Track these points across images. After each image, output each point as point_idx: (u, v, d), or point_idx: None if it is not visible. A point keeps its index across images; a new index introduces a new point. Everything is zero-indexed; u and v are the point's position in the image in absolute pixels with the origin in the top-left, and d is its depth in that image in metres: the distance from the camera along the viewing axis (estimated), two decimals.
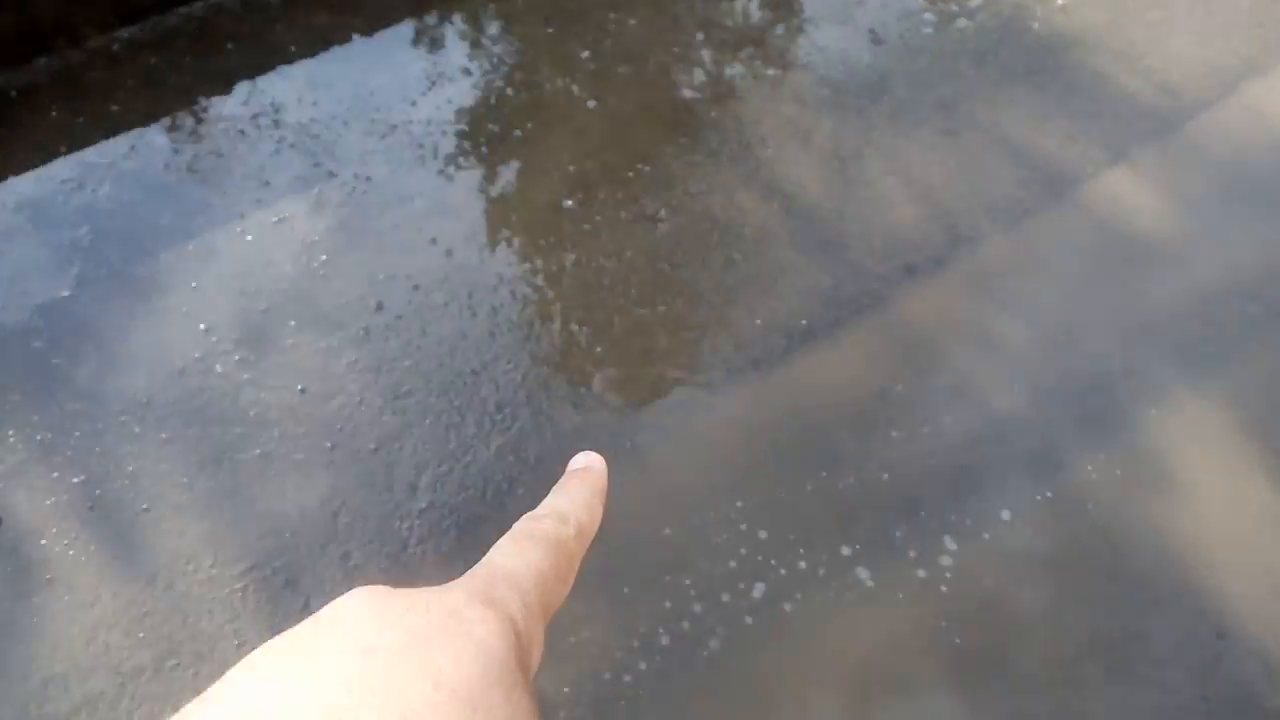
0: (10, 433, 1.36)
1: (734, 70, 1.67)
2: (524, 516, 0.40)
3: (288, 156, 1.55)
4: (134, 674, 1.27)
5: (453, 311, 1.47)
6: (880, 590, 1.36)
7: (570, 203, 1.55)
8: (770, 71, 1.68)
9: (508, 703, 0.29)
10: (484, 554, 0.38)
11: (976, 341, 1.51)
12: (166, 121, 1.57)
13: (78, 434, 1.37)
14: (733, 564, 1.37)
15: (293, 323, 1.45)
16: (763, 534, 1.38)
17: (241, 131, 1.57)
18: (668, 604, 1.35)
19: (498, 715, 0.28)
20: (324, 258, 1.49)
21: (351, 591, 0.33)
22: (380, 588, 0.33)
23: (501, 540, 0.38)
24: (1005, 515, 1.40)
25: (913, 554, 1.37)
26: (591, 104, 1.62)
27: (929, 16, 1.74)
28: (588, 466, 0.44)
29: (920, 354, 1.50)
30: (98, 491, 1.35)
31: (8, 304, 1.44)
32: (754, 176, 1.59)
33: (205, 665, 1.28)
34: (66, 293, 1.45)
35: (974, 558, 1.37)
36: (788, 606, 1.35)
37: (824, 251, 1.54)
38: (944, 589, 1.36)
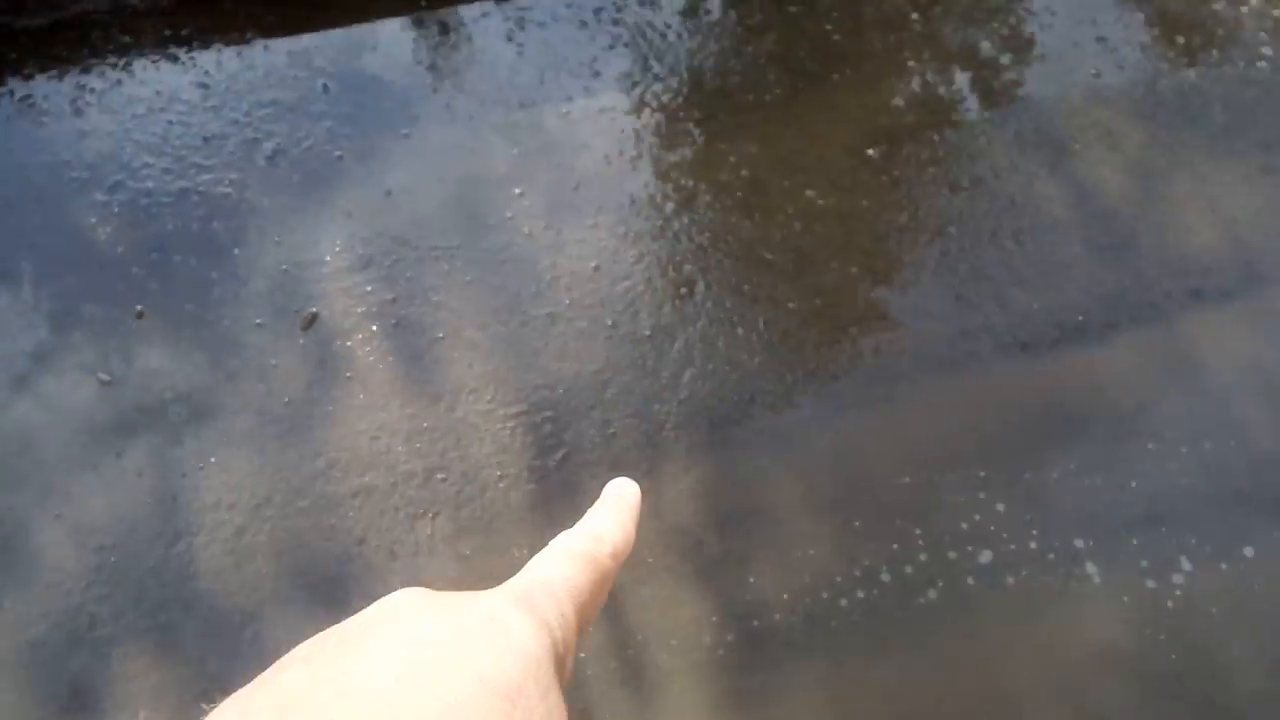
0: (338, 244, 1.51)
1: (1057, 62, 1.68)
2: (562, 534, 0.42)
3: (620, 53, 1.65)
4: (405, 477, 1.40)
5: (745, 229, 1.54)
6: (1105, 589, 1.37)
7: (873, 152, 1.59)
8: (1092, 71, 1.68)
9: (543, 702, 0.31)
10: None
11: (1250, 379, 1.49)
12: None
13: (395, 258, 1.50)
14: (965, 526, 1.40)
15: (598, 204, 1.55)
16: (1000, 506, 1.41)
17: (583, 22, 1.67)
18: (895, 546, 1.39)
19: (534, 713, 0.30)
20: (636, 153, 1.58)
21: (396, 591, 0.35)
22: (422, 589, 0.36)
23: (540, 554, 0.40)
24: (1248, 551, 1.39)
25: (1145, 564, 1.38)
26: (911, 64, 1.66)
27: (1267, 51, 1.71)
28: (622, 493, 0.46)
29: (1190, 377, 1.49)
30: (403, 312, 1.48)
31: (354, 134, 1.58)
32: (1057, 168, 1.60)
33: (468, 486, 1.40)
34: (406, 131, 1.59)
35: (1207, 584, 1.37)
36: (1010, 579, 1.37)
37: (1113, 255, 1.55)
38: (1170, 605, 1.36)
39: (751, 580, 1.38)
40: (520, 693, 0.30)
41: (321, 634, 0.32)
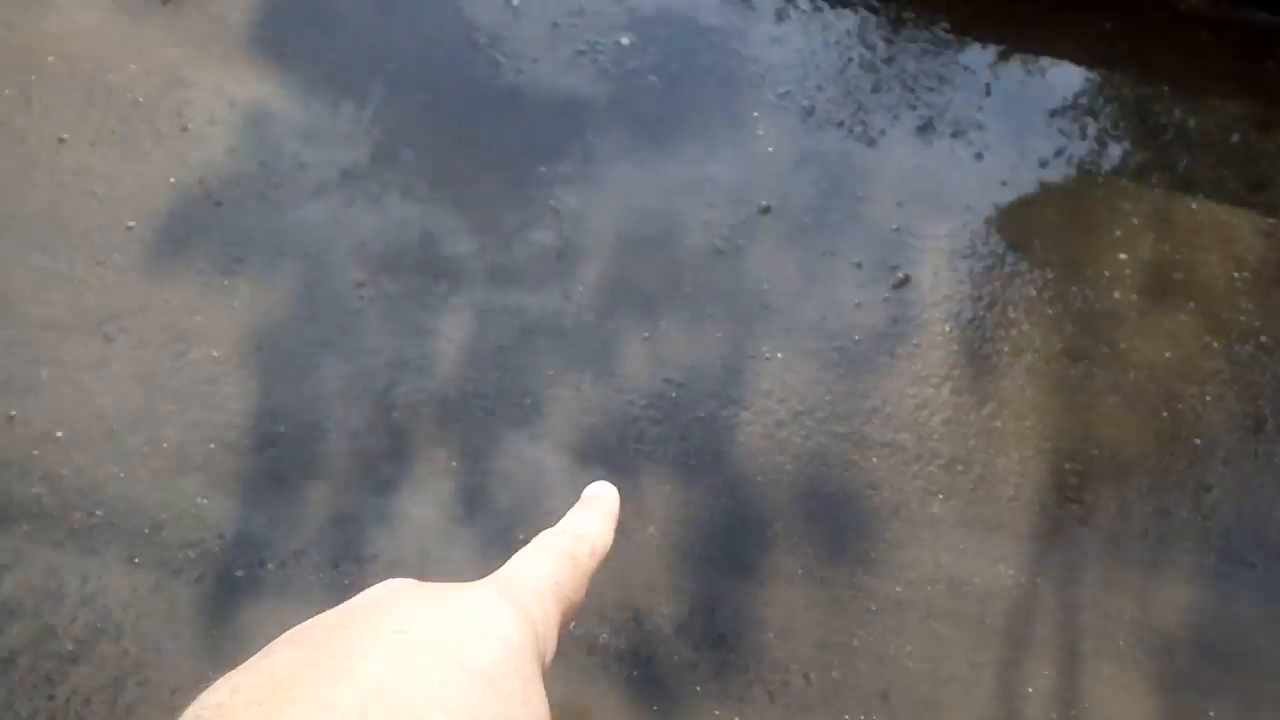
0: (948, 228, 1.61)
1: None
2: (544, 532, 0.42)
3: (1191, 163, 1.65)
4: (931, 454, 1.49)
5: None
6: None
7: None
8: None
9: (525, 690, 0.31)
10: None
11: None
12: None
13: (994, 264, 1.59)
14: None
15: (1192, 298, 1.57)
16: None
17: (1159, 130, 1.69)
18: None
19: (515, 700, 0.30)
20: (1242, 282, 1.59)
21: (382, 582, 0.36)
22: (409, 580, 0.36)
23: (523, 550, 0.41)
24: None
25: None
26: None
27: None
28: (602, 495, 0.46)
29: None
30: (983, 314, 1.56)
31: (997, 138, 1.67)
32: None
33: (981, 487, 1.47)
34: (1046, 160, 1.66)
35: None
36: None
37: None
38: None
39: (1211, 714, 1.37)
40: (503, 681, 0.31)
41: (309, 620, 0.33)
